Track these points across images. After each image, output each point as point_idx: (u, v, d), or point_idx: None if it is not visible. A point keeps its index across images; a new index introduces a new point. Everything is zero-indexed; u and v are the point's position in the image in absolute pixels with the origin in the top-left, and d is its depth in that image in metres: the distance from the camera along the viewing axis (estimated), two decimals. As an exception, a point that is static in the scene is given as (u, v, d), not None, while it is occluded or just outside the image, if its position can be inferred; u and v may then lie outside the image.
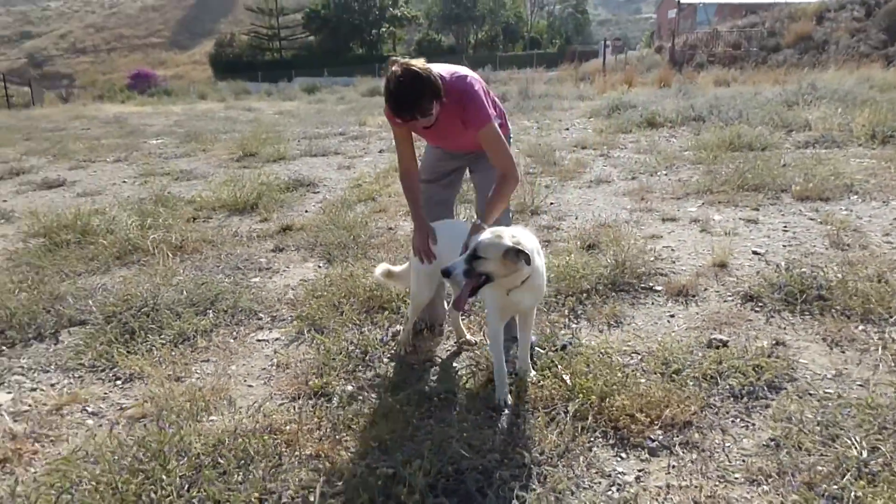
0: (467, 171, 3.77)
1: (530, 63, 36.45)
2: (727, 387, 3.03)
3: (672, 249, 5.04)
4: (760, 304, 3.97)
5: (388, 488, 2.36)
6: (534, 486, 2.41)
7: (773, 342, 3.48)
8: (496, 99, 3.39)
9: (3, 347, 3.87)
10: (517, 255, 2.64)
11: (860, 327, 3.59)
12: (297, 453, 2.67)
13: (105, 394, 3.32)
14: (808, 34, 26.22)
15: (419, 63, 2.93)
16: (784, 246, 4.98)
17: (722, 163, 7.84)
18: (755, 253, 4.85)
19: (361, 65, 43.06)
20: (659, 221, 5.85)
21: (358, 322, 3.95)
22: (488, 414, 2.94)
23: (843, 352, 3.38)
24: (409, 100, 2.90)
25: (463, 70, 3.21)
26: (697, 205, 6.34)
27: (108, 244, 5.49)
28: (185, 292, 4.34)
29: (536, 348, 3.41)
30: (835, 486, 2.30)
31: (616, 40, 35.26)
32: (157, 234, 5.71)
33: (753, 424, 2.78)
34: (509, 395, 3.01)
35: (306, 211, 6.84)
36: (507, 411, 2.94)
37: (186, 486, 2.40)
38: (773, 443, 2.64)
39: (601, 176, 7.82)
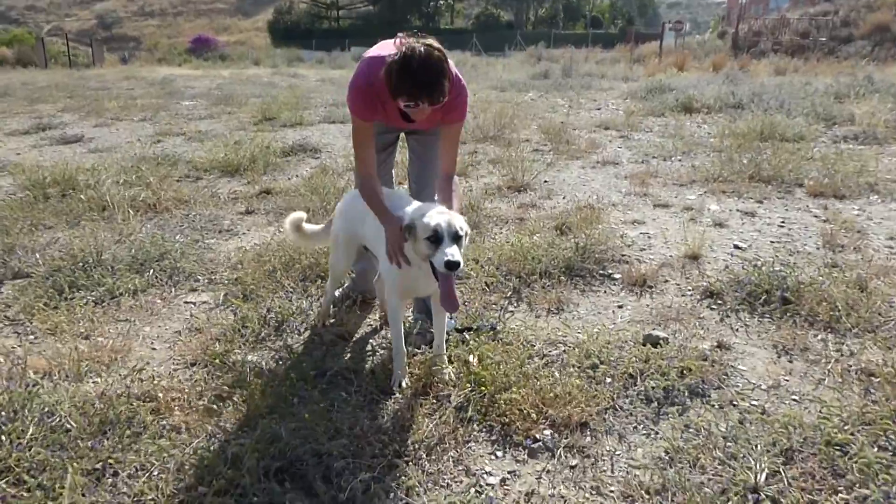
0: None
1: (587, 42, 35.44)
2: (643, 388, 2.76)
3: (648, 236, 4.71)
4: (720, 301, 3.65)
5: (232, 467, 2.20)
6: (385, 479, 2.21)
7: (716, 344, 3.17)
8: None
9: (-61, 295, 3.86)
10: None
11: (819, 336, 3.25)
12: (162, 422, 2.54)
13: (13, 347, 3.25)
14: (886, 25, 24.66)
15: (435, 41, 2.66)
16: (772, 242, 4.60)
17: (744, 152, 7.36)
18: (736, 247, 4.49)
19: (417, 37, 42.71)
20: (649, 207, 5.50)
21: (291, 290, 3.79)
22: (377, 396, 2.74)
23: (791, 361, 3.05)
24: (433, 80, 2.58)
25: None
26: (698, 193, 5.95)
27: (85, 200, 5.47)
28: (133, 250, 4.27)
29: (454, 331, 3.19)
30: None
31: (677, 23, 33.83)
32: (132, 191, 5.65)
33: (657, 433, 2.51)
34: (406, 379, 2.81)
35: (296, 176, 6.72)
36: (397, 394, 2.74)
37: (28, 448, 2.29)
38: (667, 455, 2.37)
39: (610, 157, 7.46)
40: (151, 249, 4.28)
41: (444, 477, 2.27)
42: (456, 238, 2.45)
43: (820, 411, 2.57)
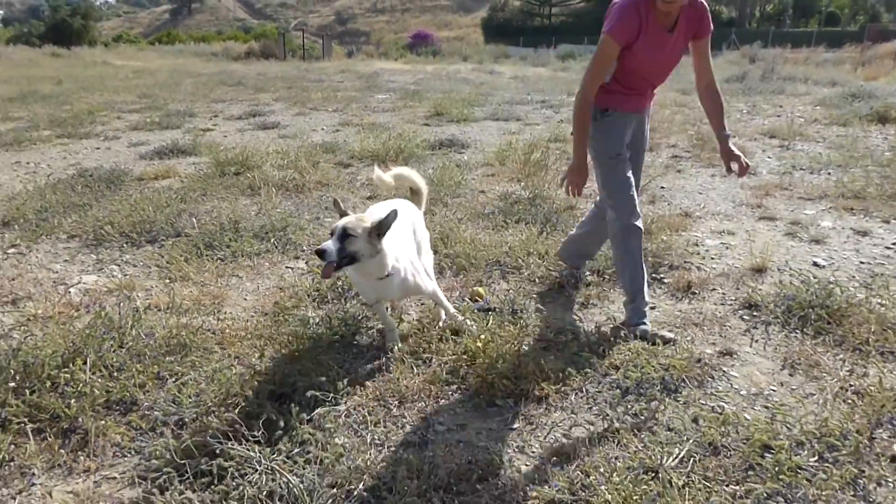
0: None
1: (809, 41, 32.38)
2: (618, 378, 3.01)
3: (727, 247, 4.72)
4: (755, 313, 3.68)
5: (243, 386, 2.86)
6: (351, 411, 2.76)
7: (722, 351, 3.29)
8: None
9: (125, 245, 5.00)
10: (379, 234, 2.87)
11: (840, 356, 3.22)
12: (225, 351, 3.29)
13: (151, 286, 4.24)
14: None
15: None
16: (862, 263, 4.40)
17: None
18: (815, 264, 4.36)
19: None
20: (752, 219, 5.40)
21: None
22: (379, 354, 3.27)
23: (791, 375, 3.10)
24: None
25: None
26: (820, 208, 5.69)
27: (249, 178, 6.58)
28: (263, 221, 5.18)
29: (478, 310, 3.62)
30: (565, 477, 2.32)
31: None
32: (284, 173, 6.68)
33: (607, 415, 2.78)
34: (398, 345, 3.31)
35: (431, 168, 7.39)
36: (392, 354, 3.24)
37: (119, 350, 3.13)
38: (601, 432, 2.65)
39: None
40: (277, 222, 5.16)
41: (403, 420, 2.76)
42: (344, 236, 2.81)
43: (772, 417, 2.67)
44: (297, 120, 11.75)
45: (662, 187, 6.43)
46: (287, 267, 4.55)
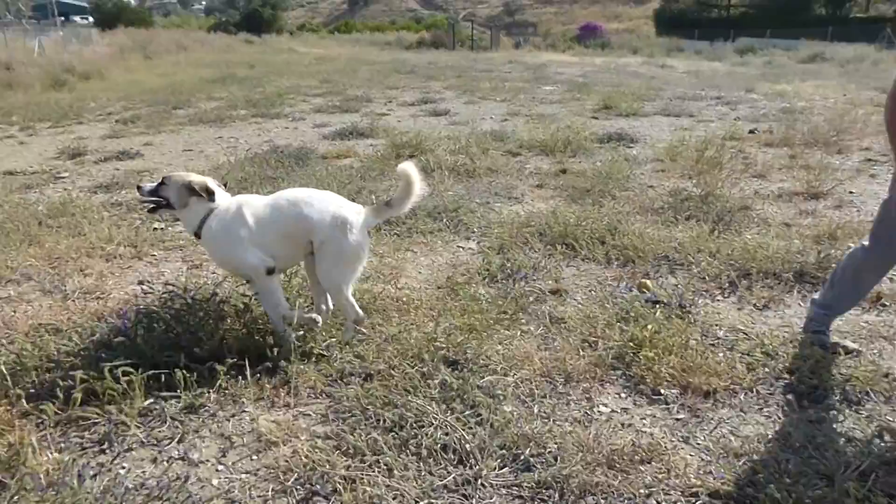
0: None
1: None
2: (792, 382, 2.93)
3: None
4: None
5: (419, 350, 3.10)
6: (520, 386, 2.91)
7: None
8: None
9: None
10: (189, 191, 3.17)
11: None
12: (404, 317, 3.56)
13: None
14: None
15: None
16: None
17: None
18: None
19: (818, 27, 38.69)
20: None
21: (536, 250, 4.56)
22: (542, 333, 3.40)
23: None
24: None
25: None
26: None
27: (423, 161, 6.93)
28: (436, 202, 5.46)
29: (647, 301, 3.64)
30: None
31: None
32: (455, 158, 6.97)
33: (778, 419, 2.73)
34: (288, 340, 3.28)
35: (599, 161, 7.36)
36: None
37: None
38: (762, 434, 2.61)
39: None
40: (449, 204, 5.42)
41: (568, 397, 2.87)
42: (161, 183, 3.24)
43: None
44: (467, 108, 12.09)
45: (851, 192, 6.00)
46: (458, 246, 4.78)
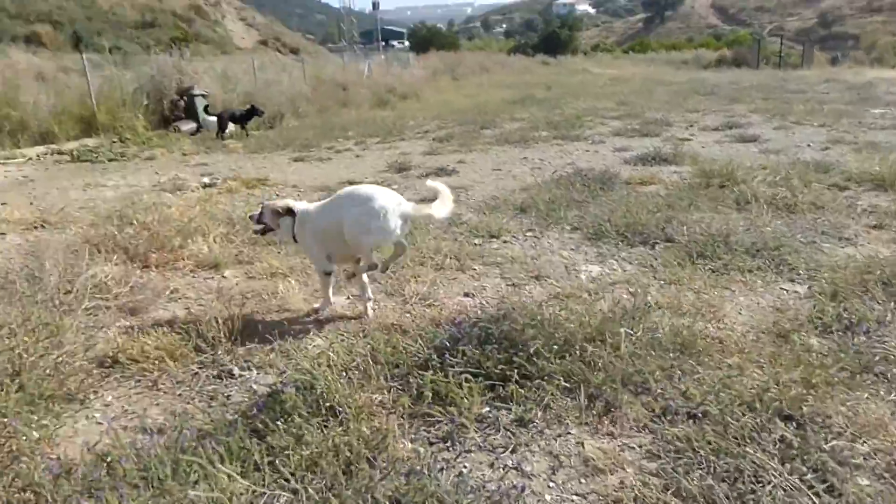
0: None
1: None
2: None
3: None
4: None
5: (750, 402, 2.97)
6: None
7: None
8: None
9: (620, 243, 5.52)
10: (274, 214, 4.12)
11: None
12: (723, 359, 3.45)
13: (648, 285, 4.61)
14: None
15: None
16: None
17: None
18: None
19: None
20: None
21: (880, 303, 4.08)
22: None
23: None
24: None
25: None
26: None
27: (736, 192, 6.60)
28: (754, 238, 5.17)
29: None
30: None
31: None
32: (773, 191, 6.50)
33: None
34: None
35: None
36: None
37: (640, 344, 3.53)
38: None
39: None
40: (770, 241, 5.09)
41: None
42: (261, 213, 4.23)
43: None
44: (778, 134, 11.21)
45: None
46: (782, 288, 4.47)
